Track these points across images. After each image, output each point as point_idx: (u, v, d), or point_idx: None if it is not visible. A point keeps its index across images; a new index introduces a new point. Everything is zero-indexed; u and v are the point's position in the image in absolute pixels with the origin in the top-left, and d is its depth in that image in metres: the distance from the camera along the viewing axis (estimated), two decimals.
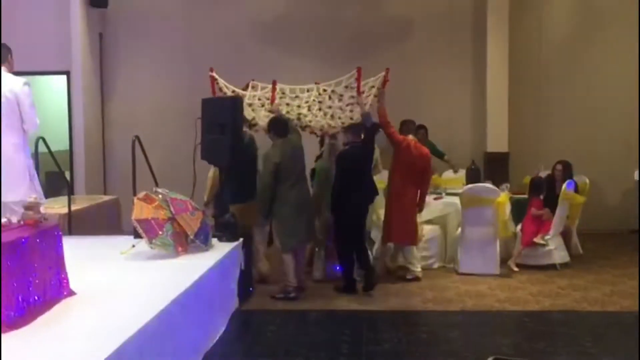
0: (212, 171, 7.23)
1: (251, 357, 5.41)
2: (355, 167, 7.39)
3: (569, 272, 8.19)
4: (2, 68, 5.80)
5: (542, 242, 8.29)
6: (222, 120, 6.79)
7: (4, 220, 4.32)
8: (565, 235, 8.77)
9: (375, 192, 7.68)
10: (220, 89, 8.04)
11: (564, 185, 8.50)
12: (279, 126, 7.29)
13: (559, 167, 8.87)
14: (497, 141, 10.60)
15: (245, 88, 8.17)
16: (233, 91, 8.01)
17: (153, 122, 10.57)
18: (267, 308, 6.78)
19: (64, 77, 10.37)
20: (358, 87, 7.73)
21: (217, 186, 7.23)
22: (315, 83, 8.00)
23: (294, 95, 7.97)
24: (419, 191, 7.92)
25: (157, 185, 6.99)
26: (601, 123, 10.79)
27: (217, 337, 5.58)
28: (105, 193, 10.21)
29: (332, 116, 7.96)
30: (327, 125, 7.99)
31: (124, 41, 10.93)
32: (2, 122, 5.65)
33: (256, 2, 10.97)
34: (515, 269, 8.21)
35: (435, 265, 8.46)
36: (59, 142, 9.31)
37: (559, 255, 8.44)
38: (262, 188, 7.21)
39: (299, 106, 7.89)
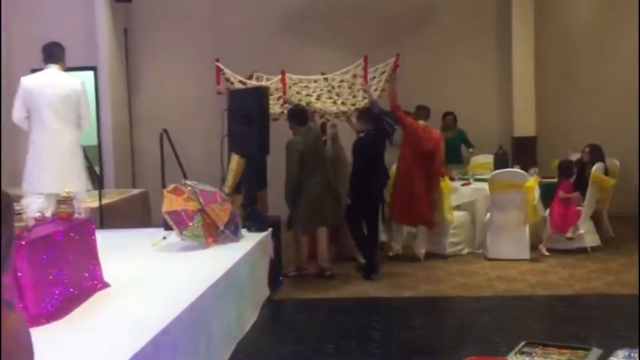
0: (234, 162, 7.30)
1: (282, 346, 5.44)
2: (370, 154, 7.64)
3: (600, 255, 8.12)
4: (57, 67, 5.98)
5: (572, 236, 8.21)
6: (248, 111, 6.85)
7: (38, 214, 4.40)
8: (596, 218, 8.70)
9: (387, 176, 8.08)
10: (228, 79, 8.13)
11: (593, 168, 8.42)
12: (299, 115, 7.43)
13: (587, 149, 8.78)
14: (524, 125, 10.51)
15: (250, 78, 8.29)
16: (240, 81, 8.13)
17: (180, 116, 10.64)
18: (297, 297, 6.82)
19: (91, 72, 10.47)
20: (365, 76, 8.00)
21: (239, 177, 7.28)
22: (322, 74, 8.23)
23: (303, 85, 8.15)
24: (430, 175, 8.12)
25: (185, 177, 7.07)
26: (629, 105, 10.63)
27: (249, 327, 5.64)
28: (134, 187, 10.32)
29: (343, 103, 8.14)
30: (338, 111, 8.14)
31: (148, 36, 11.01)
32: (62, 118, 5.87)
33: None
34: (546, 253, 8.15)
35: (465, 251, 8.43)
36: (87, 137, 9.32)
37: (590, 238, 8.37)
38: (290, 178, 7.32)
39: (307, 95, 8.08)
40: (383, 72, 8.16)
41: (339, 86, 8.13)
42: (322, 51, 10.80)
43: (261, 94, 7.09)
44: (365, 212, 7.63)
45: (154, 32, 10.98)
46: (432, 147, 8.08)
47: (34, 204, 5.66)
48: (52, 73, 5.96)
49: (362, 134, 7.73)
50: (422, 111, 9.07)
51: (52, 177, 5.81)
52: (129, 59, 11.07)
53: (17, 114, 5.96)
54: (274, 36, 10.81)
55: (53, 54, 6.00)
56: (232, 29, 10.88)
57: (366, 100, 8.09)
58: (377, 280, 7.31)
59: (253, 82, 8.18)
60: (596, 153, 8.75)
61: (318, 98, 8.10)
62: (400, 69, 10.92)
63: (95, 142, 10.67)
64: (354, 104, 8.16)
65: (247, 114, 6.81)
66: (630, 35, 10.65)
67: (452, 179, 8.67)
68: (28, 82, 5.94)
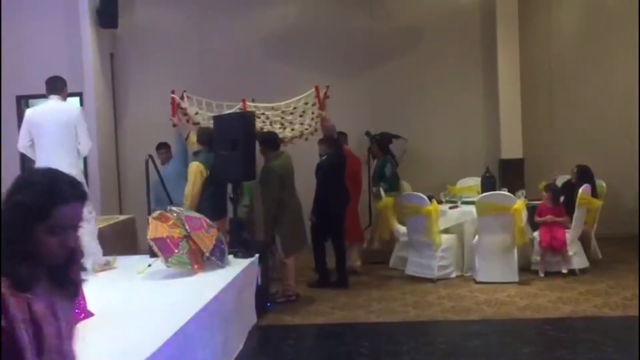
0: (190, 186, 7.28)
1: None
2: (332, 175, 8.16)
3: (589, 277, 8.11)
4: (58, 97, 6.36)
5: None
6: (233, 136, 6.82)
7: None
8: (584, 240, 8.69)
9: (349, 196, 8.46)
10: (184, 110, 8.34)
11: (580, 190, 8.43)
12: (272, 141, 7.67)
13: (575, 170, 8.81)
14: (511, 147, 10.54)
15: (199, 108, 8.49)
16: (196, 113, 8.36)
17: (166, 141, 10.59)
18: (284, 323, 6.75)
19: (77, 98, 10.42)
20: (319, 103, 8.50)
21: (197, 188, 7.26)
22: (272, 107, 8.55)
23: (260, 112, 8.47)
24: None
25: (171, 203, 7.01)
26: (616, 126, 10.71)
27: (236, 354, 5.57)
28: (120, 213, 10.24)
29: (292, 129, 8.54)
30: (287, 136, 8.53)
31: (135, 60, 11.01)
32: (59, 146, 6.20)
33: (265, 16, 11.01)
34: (542, 274, 8.15)
35: (453, 275, 8.39)
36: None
37: (578, 260, 8.36)
38: (271, 203, 7.42)
39: (262, 122, 8.42)
40: (314, 104, 8.57)
41: (291, 113, 8.54)
42: (308, 74, 10.81)
43: (247, 118, 7.07)
44: (329, 229, 8.16)
45: (140, 57, 10.98)
46: (357, 169, 9.18)
47: None
48: (53, 103, 6.35)
49: (323, 157, 8.29)
50: (343, 137, 9.40)
51: None
52: (115, 84, 11.05)
53: (22, 142, 6.34)
54: (258, 59, 10.83)
55: (55, 86, 6.41)
56: (216, 53, 10.90)
57: (312, 128, 8.58)
58: (365, 305, 7.26)
59: (207, 113, 8.33)
60: (584, 174, 8.77)
61: (271, 125, 8.48)
62: (386, 91, 11.03)
63: (81, 167, 10.60)
64: (301, 132, 8.60)
65: (232, 139, 6.78)
66: (617, 57, 10.76)
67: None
68: (31, 113, 6.38)
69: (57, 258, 2.04)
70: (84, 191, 2.12)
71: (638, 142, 10.23)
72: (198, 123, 8.28)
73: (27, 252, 1.98)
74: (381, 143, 10.02)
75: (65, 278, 2.13)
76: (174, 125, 8.33)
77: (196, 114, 8.35)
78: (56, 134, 6.22)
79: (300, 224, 7.73)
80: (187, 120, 8.32)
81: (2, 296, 1.85)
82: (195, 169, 7.21)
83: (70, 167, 6.15)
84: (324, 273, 8.21)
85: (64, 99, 6.48)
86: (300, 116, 8.57)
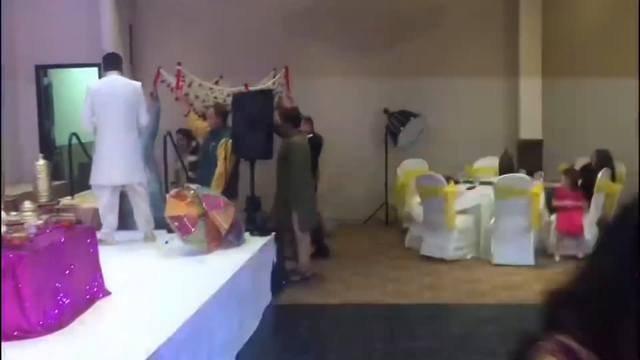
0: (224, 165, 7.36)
1: (285, 353, 5.41)
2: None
3: None
4: (117, 73, 6.64)
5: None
6: (252, 114, 6.79)
7: (39, 222, 4.36)
8: (602, 224, 8.63)
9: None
10: (190, 83, 8.56)
11: (599, 175, 8.35)
12: (295, 117, 7.58)
13: (594, 154, 8.71)
14: (530, 128, 10.43)
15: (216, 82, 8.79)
16: (200, 84, 8.61)
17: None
18: (300, 302, 6.76)
19: (95, 69, 10.40)
20: (287, 84, 8.78)
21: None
22: (245, 85, 8.56)
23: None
24: None
25: (188, 180, 7.02)
26: (637, 108, 10.55)
27: (251, 333, 5.60)
28: None
29: None
30: None
31: (154, 33, 10.93)
32: (125, 118, 6.47)
33: None
34: (557, 258, 8.12)
35: (469, 256, 8.36)
36: (90, 135, 9.35)
37: None
38: (299, 177, 7.32)
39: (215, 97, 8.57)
40: (281, 84, 8.90)
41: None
42: (328, 51, 10.76)
43: (266, 96, 7.03)
44: None
45: (159, 29, 10.90)
46: None
47: (103, 197, 6.45)
48: (115, 79, 6.60)
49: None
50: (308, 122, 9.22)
51: (119, 170, 6.46)
52: (134, 56, 11.01)
53: (87, 116, 6.50)
54: (279, 34, 10.72)
55: (115, 62, 6.71)
56: (237, 26, 10.78)
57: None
58: (380, 286, 7.26)
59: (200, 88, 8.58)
60: (603, 158, 8.68)
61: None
62: (406, 69, 10.93)
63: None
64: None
65: (251, 118, 6.75)
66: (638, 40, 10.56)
67: None
68: (96, 87, 6.58)
69: None
70: None
71: (638, 142, 10.05)
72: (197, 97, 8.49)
73: None
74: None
75: None
76: (177, 99, 8.35)
77: (199, 85, 8.57)
78: (120, 108, 6.45)
79: (314, 201, 7.79)
80: (186, 95, 8.38)
81: None
82: (229, 147, 7.24)
83: (135, 142, 6.62)
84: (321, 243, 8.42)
85: (121, 74, 6.75)
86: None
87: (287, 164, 7.31)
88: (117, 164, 6.44)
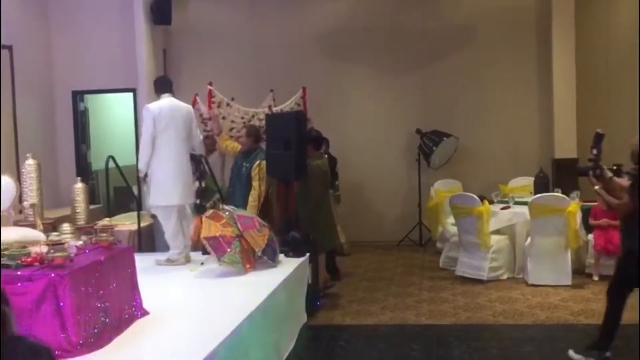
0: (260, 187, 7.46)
1: None
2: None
3: None
4: (170, 95, 6.82)
5: None
6: (286, 135, 6.83)
7: (79, 242, 4.43)
8: None
9: None
10: (220, 103, 8.74)
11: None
12: (318, 140, 7.81)
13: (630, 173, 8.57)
14: (565, 147, 10.32)
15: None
16: (228, 104, 8.79)
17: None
18: (335, 323, 6.75)
19: (131, 94, 10.57)
20: (304, 104, 8.95)
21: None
22: (268, 107, 8.98)
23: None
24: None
25: (223, 201, 7.07)
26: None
27: (287, 354, 5.59)
28: None
29: None
30: None
31: (187, 56, 11.09)
32: (182, 139, 6.71)
33: (318, 14, 10.99)
34: (596, 278, 7.99)
35: (504, 277, 8.28)
36: (126, 158, 9.49)
37: None
38: (310, 199, 7.40)
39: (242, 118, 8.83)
40: (298, 105, 9.07)
41: (259, 119, 8.71)
42: (361, 71, 10.83)
43: (300, 118, 7.07)
44: None
45: (193, 53, 11.06)
46: None
47: (172, 218, 6.60)
48: (172, 100, 6.79)
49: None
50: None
51: (180, 190, 6.66)
52: None
53: (149, 134, 6.59)
54: (311, 56, 10.82)
55: (167, 84, 6.92)
56: (270, 48, 10.91)
57: None
58: (416, 307, 7.22)
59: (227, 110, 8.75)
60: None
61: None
62: (437, 89, 10.93)
63: (133, 162, 10.75)
64: None
65: (285, 139, 6.79)
66: None
67: None
68: (156, 108, 6.66)
69: None
70: None
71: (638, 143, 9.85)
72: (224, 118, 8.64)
73: None
74: None
75: None
76: (209, 119, 8.45)
77: (228, 105, 8.79)
78: (179, 129, 6.64)
79: (332, 223, 7.89)
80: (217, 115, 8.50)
81: None
82: (264, 167, 7.37)
83: (188, 161, 6.86)
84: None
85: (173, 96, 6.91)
86: None
87: (305, 185, 7.35)
88: (178, 185, 6.63)
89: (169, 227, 6.61)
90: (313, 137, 7.68)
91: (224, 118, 8.66)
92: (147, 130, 6.57)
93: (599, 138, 5.57)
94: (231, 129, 8.63)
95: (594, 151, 5.50)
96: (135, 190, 8.14)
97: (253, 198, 7.34)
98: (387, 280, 8.44)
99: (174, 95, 6.92)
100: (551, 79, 10.45)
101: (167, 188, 6.58)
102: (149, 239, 7.73)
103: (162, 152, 6.57)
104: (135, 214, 7.69)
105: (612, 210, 5.71)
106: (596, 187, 5.52)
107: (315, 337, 6.31)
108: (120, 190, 9.49)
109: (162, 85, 6.89)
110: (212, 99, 8.64)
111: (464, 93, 10.73)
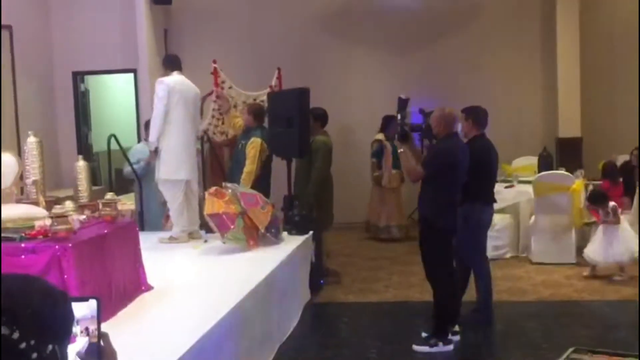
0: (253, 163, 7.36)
1: (325, 350, 5.37)
2: None
3: None
4: (179, 73, 6.74)
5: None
6: (290, 112, 6.79)
7: (82, 217, 4.40)
8: None
9: None
10: (223, 82, 8.63)
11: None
12: (324, 116, 7.61)
13: (636, 152, 8.55)
14: (569, 126, 10.27)
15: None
16: (230, 87, 8.63)
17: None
18: (338, 300, 6.73)
19: (131, 74, 10.52)
20: (280, 85, 8.78)
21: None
22: (269, 87, 8.76)
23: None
24: None
25: (225, 180, 7.04)
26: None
27: (291, 330, 5.59)
28: None
29: None
30: None
31: (188, 37, 11.01)
32: (191, 116, 6.73)
33: None
34: None
35: (508, 255, 8.26)
36: (127, 139, 9.45)
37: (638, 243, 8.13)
38: (322, 177, 7.30)
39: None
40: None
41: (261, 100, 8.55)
42: (363, 50, 10.75)
43: (303, 95, 7.02)
44: None
45: (194, 34, 10.99)
46: None
47: (179, 193, 6.57)
48: (184, 78, 6.75)
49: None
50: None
51: (188, 166, 6.68)
52: None
53: (164, 109, 6.51)
54: (312, 35, 10.73)
55: (176, 62, 6.82)
56: (271, 28, 10.82)
57: None
58: (420, 284, 7.19)
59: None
60: None
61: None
62: (441, 68, 10.85)
63: (134, 143, 10.71)
64: None
65: (288, 116, 6.75)
66: None
67: None
68: (171, 83, 6.59)
69: None
70: None
71: (638, 142, 9.83)
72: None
73: None
74: None
75: None
76: (217, 97, 8.38)
77: (230, 87, 8.65)
78: (189, 106, 6.67)
79: (332, 202, 7.74)
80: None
81: None
82: (260, 146, 7.16)
83: (195, 138, 6.98)
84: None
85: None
86: None
87: (309, 162, 7.24)
88: (186, 160, 6.64)
89: (174, 204, 6.57)
90: (319, 114, 7.57)
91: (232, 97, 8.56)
92: (161, 102, 6.49)
93: (403, 103, 5.73)
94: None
95: (399, 116, 5.64)
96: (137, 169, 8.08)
97: (244, 175, 7.16)
98: (391, 260, 8.41)
99: (183, 74, 6.85)
100: (555, 57, 10.38)
101: (176, 163, 6.56)
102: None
103: (173, 126, 6.55)
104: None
105: (407, 172, 5.91)
106: (400, 150, 5.60)
107: (319, 314, 6.32)
108: (122, 172, 9.45)
109: (172, 63, 6.82)
110: (219, 78, 8.52)
111: (467, 72, 10.66)
